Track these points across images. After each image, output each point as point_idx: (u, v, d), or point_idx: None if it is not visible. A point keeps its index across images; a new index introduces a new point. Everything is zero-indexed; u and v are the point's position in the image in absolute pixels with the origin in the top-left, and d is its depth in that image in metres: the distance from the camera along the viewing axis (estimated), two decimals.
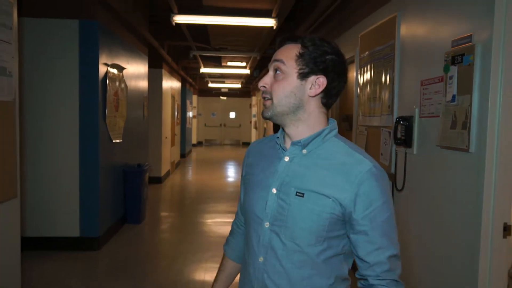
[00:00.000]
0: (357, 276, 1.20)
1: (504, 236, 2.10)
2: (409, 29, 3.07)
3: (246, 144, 20.38)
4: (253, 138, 19.06)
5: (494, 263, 2.11)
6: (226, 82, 15.30)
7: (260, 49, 7.32)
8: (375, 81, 3.65)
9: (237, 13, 4.72)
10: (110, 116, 4.84)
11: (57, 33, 4.39)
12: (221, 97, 20.46)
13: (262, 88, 1.23)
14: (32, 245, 4.33)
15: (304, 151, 1.21)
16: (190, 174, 11.42)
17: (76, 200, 4.52)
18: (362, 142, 3.91)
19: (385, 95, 3.40)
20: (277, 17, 4.86)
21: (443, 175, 2.56)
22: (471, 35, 2.26)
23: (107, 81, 4.69)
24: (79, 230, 4.55)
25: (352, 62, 4.56)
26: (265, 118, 1.26)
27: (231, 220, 1.51)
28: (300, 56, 1.18)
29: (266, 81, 1.22)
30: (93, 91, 4.50)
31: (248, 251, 1.28)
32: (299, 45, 1.20)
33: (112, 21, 4.90)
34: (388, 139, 3.32)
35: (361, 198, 1.14)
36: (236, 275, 1.49)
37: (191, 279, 4.04)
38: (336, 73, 1.20)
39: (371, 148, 3.71)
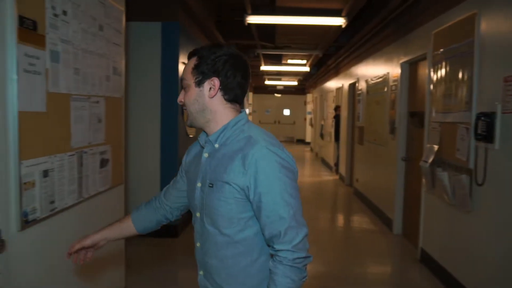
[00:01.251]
0: None
1: None
2: (491, 27, 3.11)
3: (300, 141, 20.48)
4: (308, 135, 19.10)
5: None
6: (282, 79, 15.48)
7: (323, 47, 7.43)
8: (450, 78, 3.70)
9: (308, 13, 4.89)
10: (186, 112, 5.15)
11: (142, 35, 4.74)
12: (276, 94, 20.66)
13: (180, 103, 1.41)
14: None
15: (216, 145, 1.37)
16: None
17: (157, 190, 4.87)
18: (436, 138, 3.96)
19: (462, 91, 3.45)
20: (347, 16, 4.97)
21: None
22: None
23: None
24: None
25: (423, 59, 4.60)
26: (188, 126, 1.46)
27: None
28: (195, 67, 1.36)
29: (180, 97, 1.41)
30: (173, 89, 4.82)
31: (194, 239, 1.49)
32: (195, 58, 1.37)
33: (188, 21, 5.21)
34: (466, 135, 3.37)
35: (253, 178, 1.26)
36: (125, 236, 1.66)
37: None
38: (228, 69, 1.34)
39: (446, 144, 3.76)
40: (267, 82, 16.59)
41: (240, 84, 1.37)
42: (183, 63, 4.98)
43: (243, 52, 1.36)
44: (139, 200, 4.75)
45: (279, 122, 21.05)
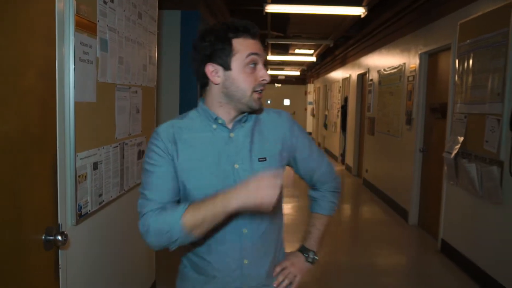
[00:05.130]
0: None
1: None
2: None
3: None
4: (309, 126, 19.07)
5: None
6: (285, 69, 15.39)
7: (335, 37, 7.37)
8: (479, 69, 3.67)
9: (328, 2, 4.82)
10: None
11: (163, 24, 4.65)
12: (276, 84, 20.58)
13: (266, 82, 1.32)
14: None
15: (243, 124, 1.34)
16: None
17: None
18: (461, 130, 3.94)
19: (494, 83, 3.42)
20: (367, 6, 4.91)
21: None
22: None
23: None
24: None
25: (445, 50, 4.57)
26: (259, 108, 1.35)
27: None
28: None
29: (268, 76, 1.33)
30: (192, 79, 4.74)
31: (224, 229, 1.30)
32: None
33: (206, 10, 5.12)
34: (497, 127, 3.35)
35: (296, 136, 1.42)
36: None
37: None
38: None
39: (472, 135, 3.74)
40: (269, 72, 16.48)
41: None
42: None
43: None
44: None
45: None
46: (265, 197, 1.13)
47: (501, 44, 3.33)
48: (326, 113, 12.74)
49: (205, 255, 1.34)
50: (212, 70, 1.27)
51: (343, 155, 10.13)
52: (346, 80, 9.81)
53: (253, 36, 1.30)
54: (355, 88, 8.82)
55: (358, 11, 4.99)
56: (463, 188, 3.92)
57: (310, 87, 17.92)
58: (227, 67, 1.26)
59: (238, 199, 1.15)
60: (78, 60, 1.74)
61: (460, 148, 3.90)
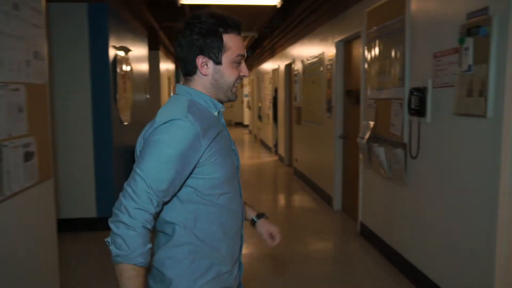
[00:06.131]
0: None
1: None
2: (421, 4, 3.19)
3: (238, 124, 20.45)
4: (246, 118, 19.13)
5: (510, 224, 2.30)
6: None
7: (258, 28, 7.36)
8: (384, 55, 3.78)
9: None
10: (120, 98, 4.91)
11: (65, 17, 4.41)
12: None
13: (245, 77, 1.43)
14: None
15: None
16: None
17: (92, 182, 4.62)
18: (371, 115, 4.06)
19: (396, 68, 3.53)
20: None
21: (458, 141, 2.73)
22: (487, 7, 2.40)
23: (116, 64, 4.75)
24: (96, 211, 4.66)
25: (358, 38, 4.68)
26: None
27: None
28: None
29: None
30: (104, 74, 4.55)
31: (236, 203, 1.41)
32: None
33: (117, 2, 4.92)
34: (400, 110, 3.47)
35: None
36: None
37: None
38: None
39: (381, 120, 3.86)
40: None
41: None
42: (114, 46, 4.71)
43: (176, 36, 1.30)
44: (73, 194, 4.52)
45: None
46: None
47: (400, 31, 3.44)
48: (260, 104, 12.80)
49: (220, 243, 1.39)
50: (202, 62, 1.32)
51: (276, 145, 10.22)
52: (276, 71, 9.88)
53: (240, 32, 1.37)
54: (284, 79, 8.90)
55: (274, 1, 4.99)
56: (376, 171, 4.04)
57: (246, 79, 17.94)
58: (218, 62, 1.32)
59: None
60: None
61: (371, 132, 4.02)
